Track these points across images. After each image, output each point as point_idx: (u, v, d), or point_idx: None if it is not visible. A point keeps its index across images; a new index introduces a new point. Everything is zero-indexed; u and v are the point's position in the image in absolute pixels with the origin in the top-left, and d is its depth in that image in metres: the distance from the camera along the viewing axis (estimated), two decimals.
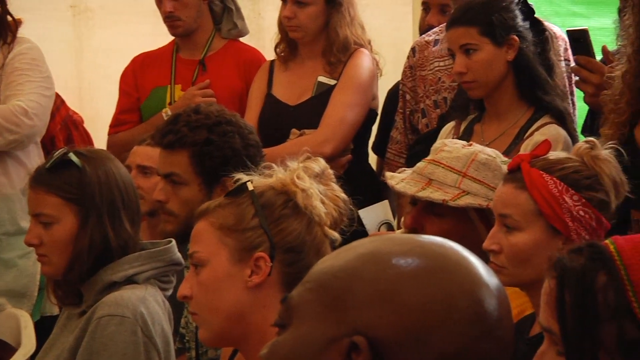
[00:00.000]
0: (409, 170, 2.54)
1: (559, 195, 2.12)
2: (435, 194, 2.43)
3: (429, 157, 2.52)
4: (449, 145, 2.53)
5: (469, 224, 2.45)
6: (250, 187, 1.89)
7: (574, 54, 2.95)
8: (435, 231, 2.42)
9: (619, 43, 2.83)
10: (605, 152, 2.16)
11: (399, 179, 2.52)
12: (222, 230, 1.89)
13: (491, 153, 2.52)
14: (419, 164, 2.52)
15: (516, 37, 3.01)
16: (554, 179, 2.13)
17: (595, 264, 1.41)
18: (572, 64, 3.09)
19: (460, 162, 2.46)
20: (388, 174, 2.59)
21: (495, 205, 2.21)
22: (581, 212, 2.12)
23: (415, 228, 2.48)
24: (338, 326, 1.20)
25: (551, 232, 2.14)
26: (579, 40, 2.87)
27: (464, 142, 2.56)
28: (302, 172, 1.91)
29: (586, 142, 2.18)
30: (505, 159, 2.53)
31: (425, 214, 2.47)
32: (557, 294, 1.40)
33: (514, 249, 2.15)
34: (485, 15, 3.01)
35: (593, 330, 1.38)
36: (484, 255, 2.14)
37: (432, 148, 2.56)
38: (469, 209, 2.44)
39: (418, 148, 3.27)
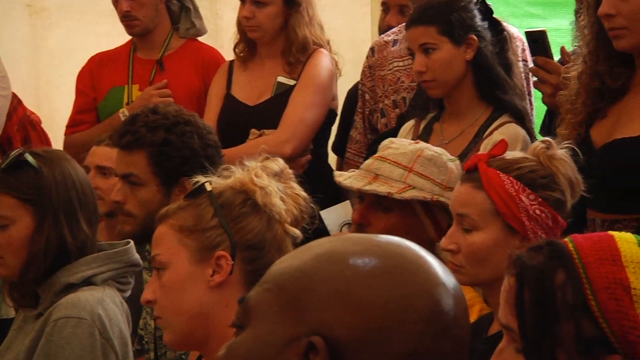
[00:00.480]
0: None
1: (515, 194, 2.14)
2: (381, 188, 2.47)
3: (376, 155, 2.56)
4: (395, 142, 2.59)
5: (415, 219, 2.50)
6: (208, 187, 1.90)
7: (532, 54, 2.97)
8: (381, 226, 2.47)
9: (575, 44, 2.86)
10: (561, 151, 2.19)
11: (347, 176, 2.56)
12: (182, 232, 1.89)
13: (437, 150, 2.57)
14: (367, 161, 2.58)
15: (475, 37, 3.03)
16: (511, 178, 2.15)
17: (554, 262, 1.41)
18: (530, 64, 3.11)
19: (407, 158, 2.51)
20: (336, 172, 2.64)
21: (453, 205, 2.23)
22: (537, 211, 2.14)
23: (362, 223, 2.52)
24: (295, 326, 1.20)
25: (508, 231, 2.16)
26: (538, 41, 2.89)
27: (411, 141, 2.60)
28: (261, 171, 1.92)
29: (542, 142, 2.20)
30: (452, 157, 2.58)
31: (372, 209, 2.52)
32: (516, 291, 1.41)
33: (471, 249, 2.17)
34: (444, 14, 3.02)
35: (551, 328, 1.38)
36: (432, 251, 2.17)
37: (380, 146, 2.61)
38: (415, 204, 2.48)
39: (376, 147, 3.28)
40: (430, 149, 2.56)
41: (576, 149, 2.24)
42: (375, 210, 2.52)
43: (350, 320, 1.18)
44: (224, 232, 1.88)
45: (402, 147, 2.55)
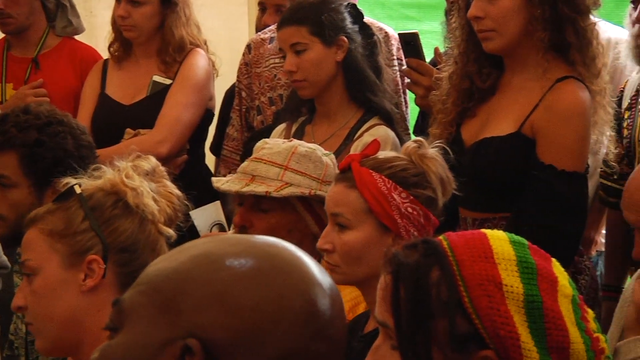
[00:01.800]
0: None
1: (387, 193, 2.17)
2: (258, 188, 2.49)
3: (251, 157, 2.58)
4: (269, 142, 2.62)
5: (295, 216, 2.52)
6: (78, 190, 1.87)
7: (405, 56, 3.02)
8: (263, 227, 2.48)
9: (446, 45, 2.92)
10: (432, 150, 2.23)
11: (224, 181, 2.57)
12: (52, 237, 1.86)
13: (311, 146, 2.61)
14: (242, 164, 2.60)
15: (345, 38, 3.08)
16: (383, 177, 2.18)
17: (429, 260, 1.43)
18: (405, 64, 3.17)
19: (281, 156, 2.54)
20: (214, 178, 2.66)
21: (327, 205, 2.25)
22: (409, 209, 2.17)
23: (244, 226, 2.53)
24: (171, 329, 1.19)
25: (381, 229, 2.18)
26: (410, 43, 2.94)
27: (285, 140, 2.62)
28: (132, 171, 1.90)
29: (414, 141, 2.24)
30: (326, 151, 2.61)
31: (252, 211, 2.54)
32: (392, 288, 1.42)
33: (345, 247, 2.19)
34: (315, 15, 3.06)
35: (426, 324, 1.40)
36: (314, 245, 2.19)
37: (254, 148, 2.63)
38: (294, 201, 2.51)
39: (252, 144, 3.29)
40: (304, 145, 2.59)
41: (447, 148, 2.29)
42: (256, 211, 2.53)
43: (226, 322, 1.18)
44: (95, 235, 1.85)
45: (275, 146, 2.57)
